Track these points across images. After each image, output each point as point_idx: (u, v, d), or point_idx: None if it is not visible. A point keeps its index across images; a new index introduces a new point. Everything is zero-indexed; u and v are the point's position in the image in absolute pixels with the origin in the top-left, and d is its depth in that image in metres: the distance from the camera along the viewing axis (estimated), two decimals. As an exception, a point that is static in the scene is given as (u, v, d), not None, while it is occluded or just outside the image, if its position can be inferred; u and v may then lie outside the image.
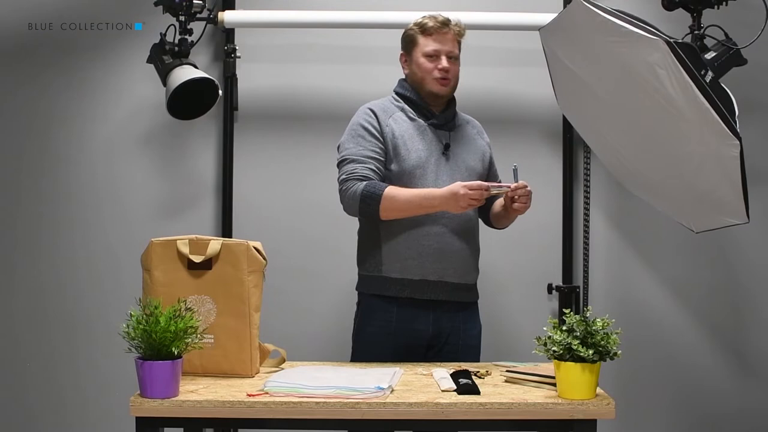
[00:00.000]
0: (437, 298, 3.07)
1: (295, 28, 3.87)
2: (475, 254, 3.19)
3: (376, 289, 3.10)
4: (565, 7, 3.73)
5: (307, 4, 3.92)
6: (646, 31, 2.85)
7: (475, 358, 3.16)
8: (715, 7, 3.33)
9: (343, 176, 3.05)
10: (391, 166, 3.08)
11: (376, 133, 3.09)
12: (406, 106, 3.17)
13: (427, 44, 3.13)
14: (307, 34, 3.93)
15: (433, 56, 3.12)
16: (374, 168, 3.04)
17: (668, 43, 2.79)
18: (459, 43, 3.18)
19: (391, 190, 2.99)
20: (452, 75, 3.14)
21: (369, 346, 3.09)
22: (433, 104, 3.17)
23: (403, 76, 3.24)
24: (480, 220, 3.28)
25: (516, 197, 3.00)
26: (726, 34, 3.26)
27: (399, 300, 3.07)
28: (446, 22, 3.13)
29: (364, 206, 2.99)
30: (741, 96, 3.04)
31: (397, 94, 3.22)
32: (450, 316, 3.12)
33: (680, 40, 2.90)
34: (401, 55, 3.22)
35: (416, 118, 3.15)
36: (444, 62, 3.11)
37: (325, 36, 3.93)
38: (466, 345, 3.14)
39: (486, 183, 2.95)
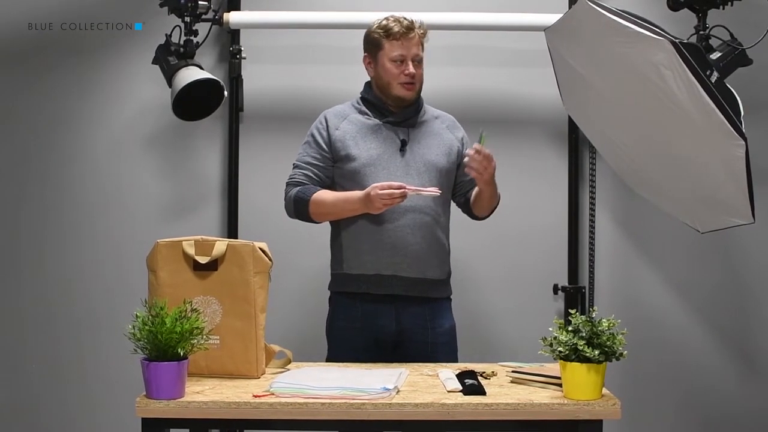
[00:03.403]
0: (393, 292, 3.10)
1: (300, 29, 3.87)
2: (438, 250, 3.17)
3: (340, 286, 3.18)
4: (570, 7, 3.73)
5: (312, 4, 3.93)
6: (651, 32, 2.85)
7: (450, 355, 3.17)
8: (721, 7, 3.33)
9: (286, 180, 3.20)
10: (345, 166, 3.15)
11: (321, 141, 3.19)
12: (364, 108, 3.22)
13: (393, 49, 3.13)
14: (313, 35, 3.94)
15: (399, 61, 3.13)
16: (310, 174, 3.17)
17: (673, 43, 2.79)
18: (422, 45, 3.18)
19: (318, 195, 3.12)
20: (417, 79, 3.17)
21: (341, 341, 3.16)
22: (394, 105, 3.19)
23: (368, 79, 3.26)
24: (467, 215, 3.32)
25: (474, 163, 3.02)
26: (731, 35, 3.26)
27: (361, 296, 3.12)
28: (411, 26, 3.14)
29: (297, 210, 3.16)
30: (746, 96, 3.03)
31: (361, 97, 3.26)
32: (414, 311, 3.14)
33: (685, 41, 2.89)
34: (364, 56, 3.23)
35: (372, 117, 3.20)
36: (410, 67, 3.13)
37: (331, 37, 3.93)
38: (435, 342, 3.15)
39: (398, 183, 2.98)
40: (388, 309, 3.12)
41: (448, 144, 3.24)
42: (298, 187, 3.14)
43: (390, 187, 2.96)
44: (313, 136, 3.21)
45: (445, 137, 3.26)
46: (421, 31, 3.17)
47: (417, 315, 3.14)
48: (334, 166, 3.17)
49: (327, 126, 3.20)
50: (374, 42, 3.18)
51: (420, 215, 3.10)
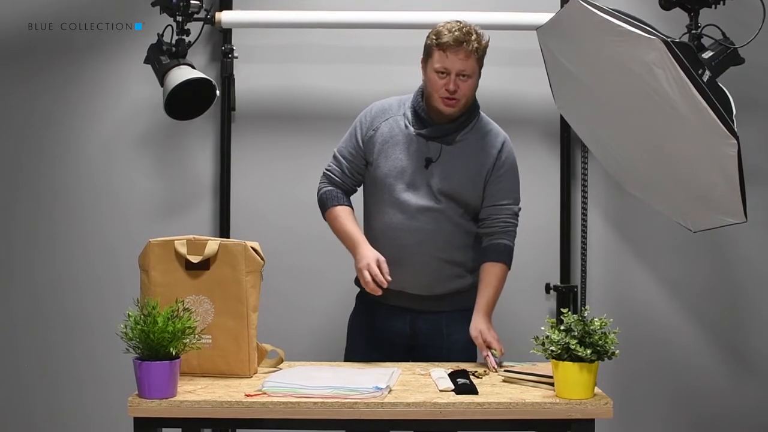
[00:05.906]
0: (401, 305, 3.08)
1: (292, 28, 3.86)
2: (447, 268, 3.09)
3: (361, 290, 3.15)
4: (562, 6, 3.73)
5: (304, 4, 3.92)
6: (643, 31, 2.85)
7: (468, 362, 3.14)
8: (713, 6, 3.32)
9: (326, 167, 3.19)
10: (371, 169, 3.09)
11: (359, 136, 3.11)
12: (408, 112, 3.09)
13: (439, 60, 2.94)
14: (305, 35, 3.93)
15: (443, 73, 2.95)
16: (344, 169, 3.13)
17: (665, 42, 2.79)
18: (478, 58, 2.97)
19: (335, 211, 3.09)
20: (461, 95, 2.97)
21: (357, 337, 3.17)
22: (435, 116, 3.05)
23: None
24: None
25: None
26: (723, 34, 3.26)
27: (376, 302, 3.08)
28: (461, 39, 2.91)
29: (319, 206, 3.16)
30: (738, 95, 3.04)
31: (413, 98, 3.12)
32: (428, 319, 3.11)
33: (677, 40, 2.90)
34: (421, 59, 3.07)
35: (410, 125, 3.07)
36: (452, 83, 2.94)
37: (323, 36, 3.93)
38: (451, 350, 3.09)
39: (388, 278, 2.90)
40: (401, 317, 3.10)
41: (476, 170, 3.06)
42: (330, 188, 3.13)
43: (377, 273, 2.88)
44: (355, 128, 3.14)
45: (480, 160, 3.07)
46: (475, 45, 2.93)
47: (432, 322, 3.11)
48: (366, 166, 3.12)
49: (368, 122, 3.10)
50: (426, 48, 3.01)
51: (428, 236, 3.03)
